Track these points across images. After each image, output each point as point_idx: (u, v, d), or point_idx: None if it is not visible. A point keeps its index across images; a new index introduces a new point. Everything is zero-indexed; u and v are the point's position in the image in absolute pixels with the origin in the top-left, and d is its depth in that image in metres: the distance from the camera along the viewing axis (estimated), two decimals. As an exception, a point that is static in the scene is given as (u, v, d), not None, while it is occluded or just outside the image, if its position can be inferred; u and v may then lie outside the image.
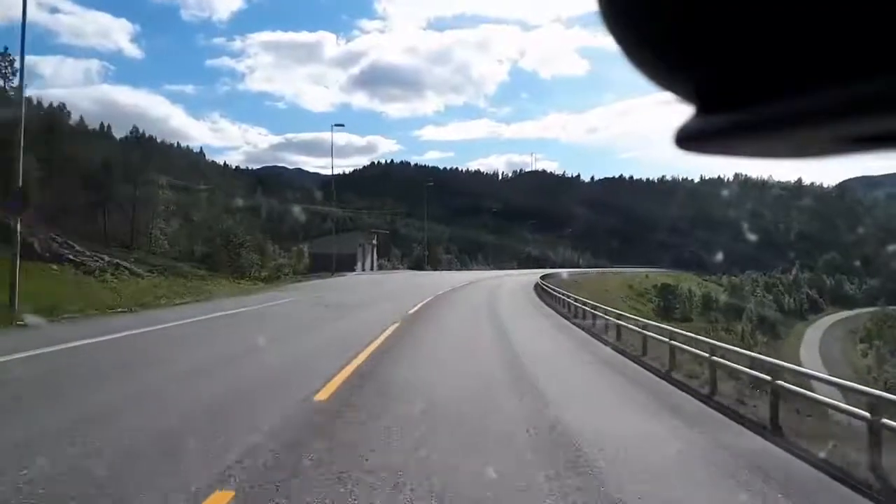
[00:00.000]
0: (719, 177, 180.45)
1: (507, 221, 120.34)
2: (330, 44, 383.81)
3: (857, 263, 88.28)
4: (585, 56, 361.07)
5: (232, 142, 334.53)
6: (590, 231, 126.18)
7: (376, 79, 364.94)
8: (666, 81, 0.53)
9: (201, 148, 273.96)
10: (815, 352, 59.42)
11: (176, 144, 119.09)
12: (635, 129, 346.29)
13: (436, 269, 70.94)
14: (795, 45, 0.44)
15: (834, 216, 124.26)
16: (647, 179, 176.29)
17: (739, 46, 0.47)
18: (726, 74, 0.49)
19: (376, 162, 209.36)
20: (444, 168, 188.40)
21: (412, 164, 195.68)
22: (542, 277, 39.94)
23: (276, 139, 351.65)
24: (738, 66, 0.48)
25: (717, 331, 50.05)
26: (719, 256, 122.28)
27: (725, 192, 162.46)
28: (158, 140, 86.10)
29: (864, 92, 0.41)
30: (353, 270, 55.21)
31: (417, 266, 70.10)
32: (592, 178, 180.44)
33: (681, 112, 0.54)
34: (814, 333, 69.26)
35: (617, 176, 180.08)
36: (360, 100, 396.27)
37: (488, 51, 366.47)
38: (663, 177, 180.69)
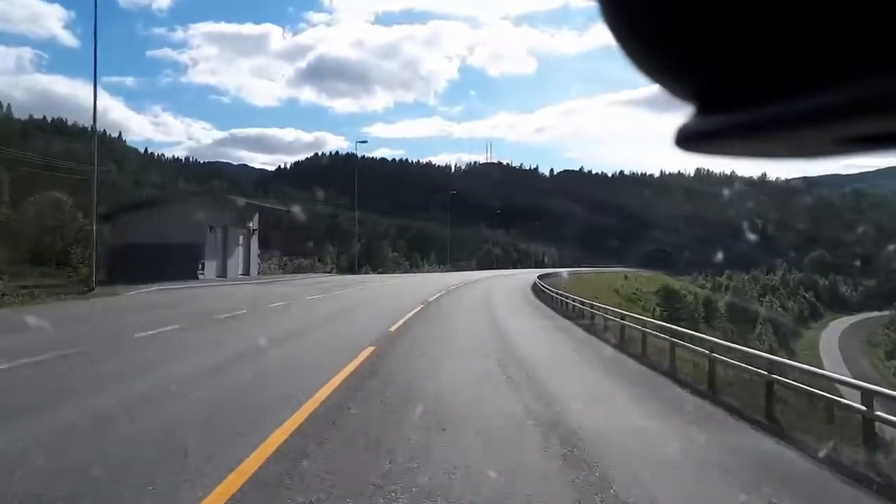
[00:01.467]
0: (680, 171, 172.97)
1: (464, 216, 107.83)
2: (276, 36, 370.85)
3: (857, 263, 78.96)
4: (534, 55, 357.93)
5: (175, 136, 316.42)
6: (554, 226, 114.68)
7: (324, 73, 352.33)
8: (666, 81, 0.53)
9: (144, 144, 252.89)
10: (843, 369, 48.84)
11: (104, 132, 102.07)
12: (582, 129, 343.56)
13: (377, 272, 56.88)
14: (795, 45, 0.44)
15: (813, 212, 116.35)
16: (608, 174, 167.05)
17: (739, 46, 0.47)
18: (726, 74, 0.49)
19: (320, 153, 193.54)
20: (394, 160, 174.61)
21: (359, 156, 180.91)
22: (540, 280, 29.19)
23: (221, 134, 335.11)
24: (738, 66, 0.48)
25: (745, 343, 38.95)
26: (686, 254, 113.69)
27: (688, 187, 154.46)
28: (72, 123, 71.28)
29: (864, 92, 0.41)
30: (197, 277, 33.10)
31: (350, 268, 55.34)
32: (552, 170, 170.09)
33: (681, 112, 0.54)
34: (828, 342, 59.04)
35: (577, 169, 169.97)
36: (308, 94, 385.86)
37: (437, 47, 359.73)
38: (622, 171, 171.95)
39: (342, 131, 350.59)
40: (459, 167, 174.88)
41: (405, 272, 59.72)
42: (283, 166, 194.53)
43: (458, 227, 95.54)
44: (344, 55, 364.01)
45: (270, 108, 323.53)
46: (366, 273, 53.04)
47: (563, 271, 57.17)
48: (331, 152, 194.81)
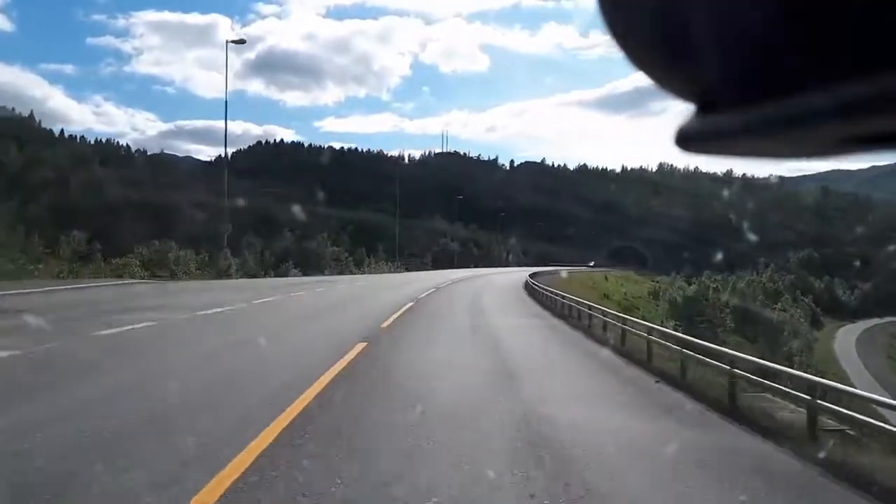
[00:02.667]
0: (641, 166, 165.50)
1: (418, 209, 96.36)
2: (224, 27, 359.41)
3: (857, 264, 70.89)
4: (486, 52, 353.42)
5: (118, 127, 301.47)
6: (517, 220, 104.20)
7: (273, 65, 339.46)
8: (666, 81, 0.53)
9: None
10: (878, 390, 39.58)
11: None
12: (533, 129, 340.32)
13: (305, 274, 44.21)
14: (795, 44, 0.44)
15: (791, 209, 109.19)
16: (570, 167, 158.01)
17: (739, 46, 0.47)
18: (726, 74, 0.49)
19: (264, 142, 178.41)
20: (342, 148, 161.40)
21: (305, 144, 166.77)
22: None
23: (166, 126, 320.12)
24: (738, 67, 0.48)
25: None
26: (657, 253, 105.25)
27: (655, 181, 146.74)
28: None
29: (864, 92, 0.41)
30: None
31: (268, 270, 42.75)
32: (512, 162, 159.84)
33: (681, 112, 0.53)
34: (846, 355, 50.13)
35: (538, 160, 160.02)
36: (256, 86, 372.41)
37: (390, 43, 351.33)
38: (585, 164, 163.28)
39: (293, 125, 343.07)
40: (413, 158, 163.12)
41: (340, 273, 47.48)
42: (221, 155, 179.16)
43: (412, 220, 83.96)
44: (294, 48, 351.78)
45: (218, 100, 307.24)
46: (273, 278, 40.54)
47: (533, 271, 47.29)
48: (275, 140, 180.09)
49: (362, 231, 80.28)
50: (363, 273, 48.85)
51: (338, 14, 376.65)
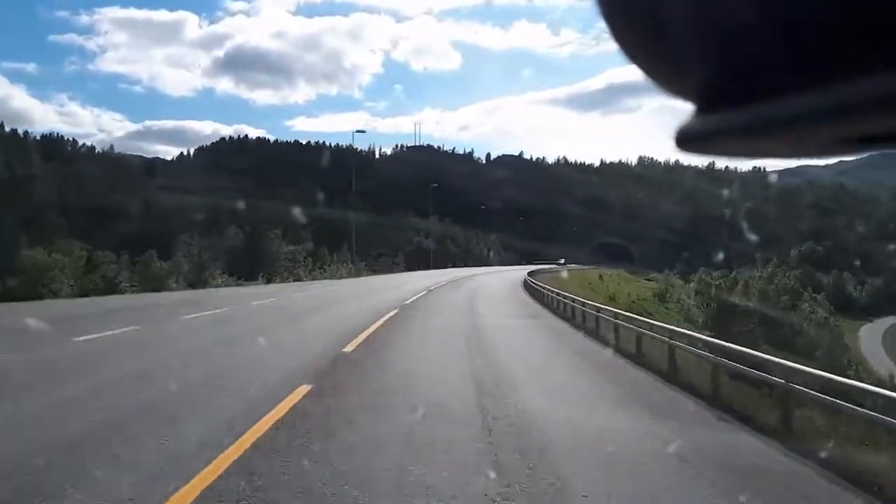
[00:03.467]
0: (621, 160, 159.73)
1: (389, 204, 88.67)
2: (191, 25, 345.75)
3: (858, 262, 65.09)
4: (458, 50, 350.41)
5: (83, 128, 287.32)
6: (496, 216, 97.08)
7: (243, 63, 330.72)
8: (666, 81, 0.53)
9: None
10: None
11: None
12: (506, 127, 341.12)
13: (241, 283, 35.82)
14: (795, 44, 0.44)
15: (782, 202, 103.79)
16: (549, 160, 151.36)
17: (739, 46, 0.46)
18: (726, 74, 0.49)
19: (227, 138, 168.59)
20: (308, 143, 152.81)
21: (270, 140, 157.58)
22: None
23: (134, 126, 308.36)
24: (738, 66, 0.48)
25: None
26: (643, 249, 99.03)
27: (637, 174, 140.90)
28: None
29: (864, 92, 0.41)
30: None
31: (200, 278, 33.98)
32: (489, 155, 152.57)
33: (681, 112, 0.53)
34: (880, 361, 43.96)
35: (517, 153, 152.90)
36: (226, 85, 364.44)
37: (361, 40, 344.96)
38: (564, 157, 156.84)
39: (263, 124, 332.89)
40: (385, 152, 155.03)
41: (285, 281, 39.22)
42: (185, 153, 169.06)
43: (382, 216, 76.18)
44: (264, 46, 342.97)
45: (186, 99, 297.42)
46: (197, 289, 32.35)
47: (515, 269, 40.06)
48: (239, 136, 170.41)
49: (326, 229, 72.37)
50: (313, 279, 40.33)
51: (308, 11, 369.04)
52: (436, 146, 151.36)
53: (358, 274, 43.84)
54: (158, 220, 69.55)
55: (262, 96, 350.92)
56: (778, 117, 0.46)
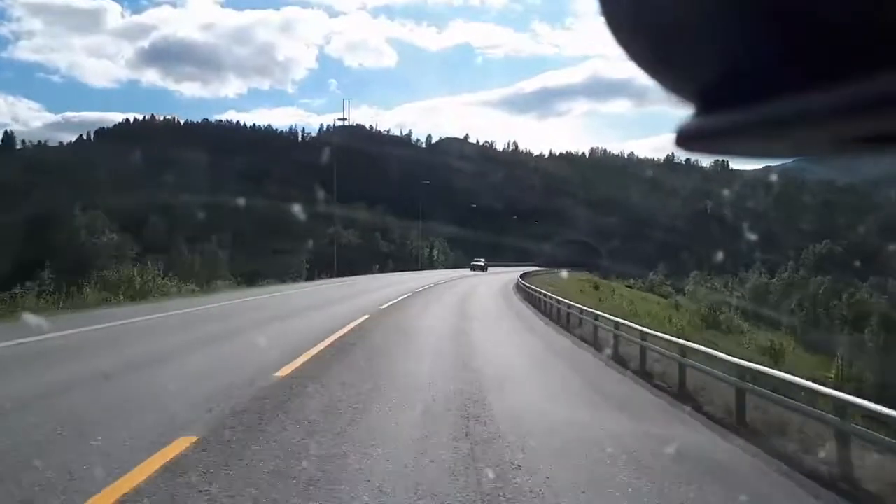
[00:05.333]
0: (570, 150, 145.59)
1: (310, 192, 70.18)
2: (113, 13, 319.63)
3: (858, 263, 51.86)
4: (394, 48, 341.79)
5: None
6: (441, 208, 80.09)
7: (169, 55, 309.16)
8: (666, 81, 0.53)
9: None
10: None
11: None
12: (443, 127, 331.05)
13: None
14: (795, 44, 0.44)
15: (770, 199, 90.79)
16: (498, 147, 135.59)
17: (739, 46, 0.46)
18: (726, 74, 0.48)
19: (132, 119, 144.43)
20: (219, 121, 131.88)
21: (161, 118, 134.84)
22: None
23: (54, 118, 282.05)
24: (738, 66, 0.47)
25: None
26: (609, 249, 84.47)
27: (591, 166, 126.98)
28: None
29: (864, 92, 0.40)
30: None
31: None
32: (430, 137, 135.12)
33: (681, 112, 0.53)
34: None
35: (462, 136, 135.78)
36: (152, 77, 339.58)
37: (293, 34, 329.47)
38: (516, 144, 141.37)
39: (192, 118, 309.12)
40: (309, 133, 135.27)
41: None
42: (84, 136, 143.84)
43: (286, 203, 57.38)
44: (192, 37, 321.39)
45: (109, 90, 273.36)
46: None
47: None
48: (143, 117, 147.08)
49: (219, 219, 53.53)
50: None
51: (237, 3, 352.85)
52: (368, 126, 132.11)
53: (204, 290, 25.22)
54: None
55: (191, 89, 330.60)
56: (778, 117, 0.46)
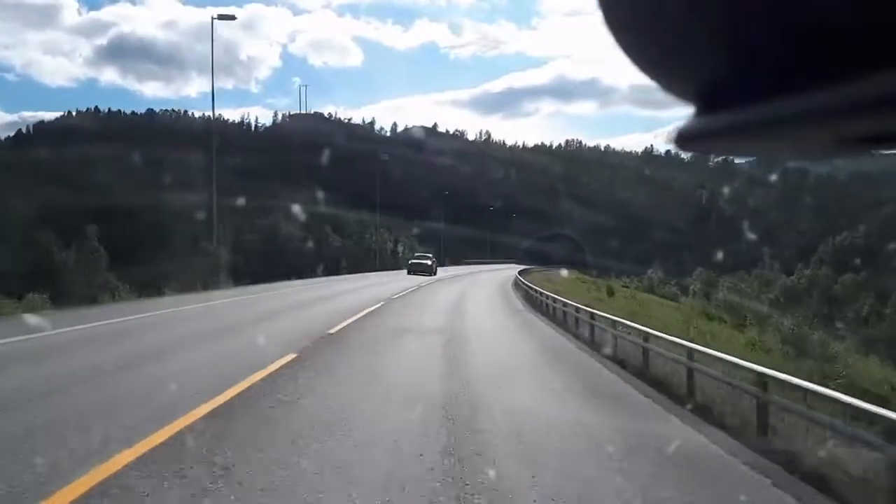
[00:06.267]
0: (544, 142, 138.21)
1: (264, 184, 60.75)
2: (69, 9, 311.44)
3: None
4: (360, 46, 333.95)
5: None
6: (407, 201, 71.37)
7: (129, 53, 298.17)
8: (666, 82, 0.53)
9: None
10: None
11: None
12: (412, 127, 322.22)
13: None
14: (795, 44, 0.44)
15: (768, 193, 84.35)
16: (470, 137, 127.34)
17: (739, 46, 0.46)
18: (726, 74, 0.49)
19: (74, 112, 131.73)
20: (161, 111, 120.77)
21: (126, 112, 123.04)
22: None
23: (10, 118, 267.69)
24: (738, 66, 0.47)
25: None
26: (596, 243, 77.08)
27: (568, 158, 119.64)
28: None
29: (864, 92, 0.40)
30: None
31: None
32: (395, 126, 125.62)
33: (681, 112, 0.53)
34: None
35: (431, 125, 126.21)
36: (111, 75, 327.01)
37: (257, 32, 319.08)
38: (488, 134, 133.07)
39: (138, 110, 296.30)
40: (263, 124, 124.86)
41: None
42: (24, 130, 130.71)
43: (226, 199, 47.91)
44: (152, 35, 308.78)
45: (67, 89, 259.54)
46: None
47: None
48: (88, 108, 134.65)
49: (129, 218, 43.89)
50: None
51: (198, 1, 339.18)
52: (327, 114, 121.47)
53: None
54: None
55: (153, 88, 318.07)
56: (777, 117, 0.46)
